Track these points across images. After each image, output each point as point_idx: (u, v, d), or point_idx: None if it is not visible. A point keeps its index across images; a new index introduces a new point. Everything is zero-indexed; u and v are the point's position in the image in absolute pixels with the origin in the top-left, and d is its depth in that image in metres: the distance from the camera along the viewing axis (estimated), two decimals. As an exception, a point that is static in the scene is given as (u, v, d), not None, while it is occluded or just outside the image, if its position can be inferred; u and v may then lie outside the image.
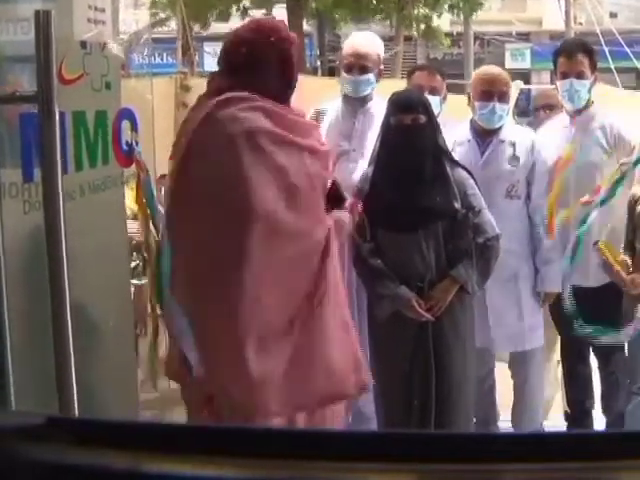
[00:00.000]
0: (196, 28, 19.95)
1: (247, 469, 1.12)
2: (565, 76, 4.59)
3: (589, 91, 4.62)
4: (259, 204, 3.32)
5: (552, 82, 4.83)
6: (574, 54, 4.61)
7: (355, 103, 4.60)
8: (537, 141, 4.72)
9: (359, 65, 4.51)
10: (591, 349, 4.72)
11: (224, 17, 20.08)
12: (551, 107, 5.54)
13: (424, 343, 4.02)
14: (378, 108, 4.47)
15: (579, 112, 4.64)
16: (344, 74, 4.55)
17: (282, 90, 3.51)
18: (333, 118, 4.58)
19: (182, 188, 3.43)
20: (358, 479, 1.14)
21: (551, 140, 4.68)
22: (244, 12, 19.09)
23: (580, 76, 4.57)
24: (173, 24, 20.52)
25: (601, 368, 4.73)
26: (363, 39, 4.72)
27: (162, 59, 25.13)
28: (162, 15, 20.70)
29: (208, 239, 3.41)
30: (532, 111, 5.95)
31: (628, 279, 4.14)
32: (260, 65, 3.46)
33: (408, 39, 22.86)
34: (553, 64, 4.76)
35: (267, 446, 1.16)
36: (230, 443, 1.15)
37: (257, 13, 19.05)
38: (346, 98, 4.62)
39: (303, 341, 3.41)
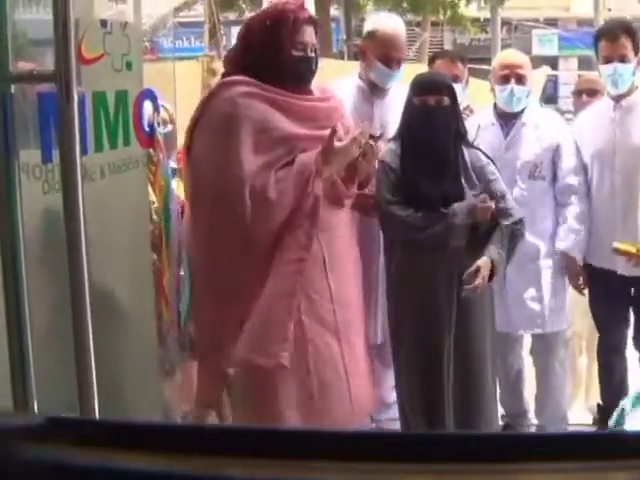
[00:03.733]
0: (231, 16, 19.93)
1: (249, 469, 1.10)
2: (608, 60, 4.52)
3: (633, 74, 4.53)
4: (251, 186, 3.42)
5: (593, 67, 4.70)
6: (617, 37, 4.52)
7: (377, 91, 4.54)
8: (561, 122, 4.77)
9: (398, 59, 4.44)
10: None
11: (257, 3, 20.00)
12: (594, 92, 5.50)
13: (449, 323, 4.01)
14: (396, 94, 4.43)
15: (623, 96, 4.56)
16: (380, 65, 4.46)
17: (278, 70, 3.61)
18: (350, 102, 4.47)
19: (186, 166, 3.64)
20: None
21: (594, 124, 4.62)
22: (276, -3, 19.01)
23: (623, 59, 4.50)
24: (201, 8, 20.50)
25: None
26: (400, 27, 4.63)
27: (190, 43, 25.20)
28: (189, -1, 20.65)
29: (209, 223, 3.50)
30: (574, 94, 5.88)
31: None
32: (252, 46, 3.63)
33: (435, 24, 22.78)
34: (594, 47, 4.68)
35: (277, 446, 1.13)
36: (231, 443, 1.14)
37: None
38: (370, 84, 4.54)
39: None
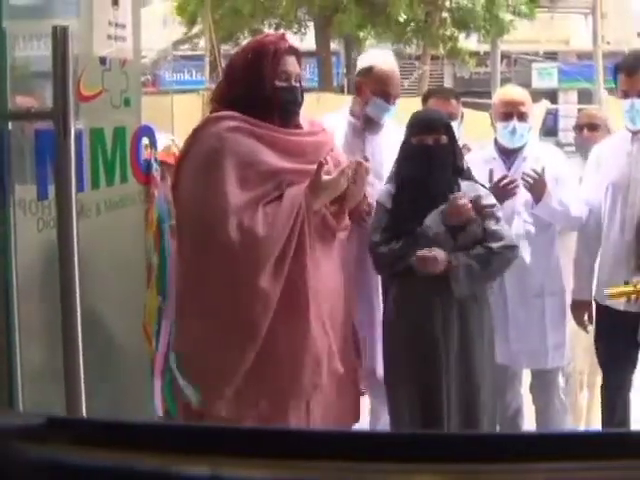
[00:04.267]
0: (227, 47, 20.08)
1: (250, 469, 1.11)
2: (626, 95, 4.46)
3: None
4: (238, 222, 3.42)
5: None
6: (635, 71, 4.45)
7: (371, 126, 4.56)
8: (561, 155, 4.77)
9: (395, 95, 4.47)
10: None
11: (255, 36, 20.17)
12: (595, 126, 5.51)
13: (447, 354, 4.00)
14: (388, 131, 4.50)
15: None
16: (378, 100, 4.48)
17: (264, 102, 3.62)
18: (340, 137, 4.49)
19: (175, 201, 3.62)
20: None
21: (610, 157, 4.60)
22: (275, 30, 19.13)
23: None
24: (202, 42, 20.65)
25: None
26: (393, 63, 4.68)
27: (191, 76, 25.40)
28: (190, 32, 20.82)
29: (192, 256, 3.51)
30: (575, 129, 5.89)
31: None
32: (236, 81, 3.67)
33: (435, 58, 22.87)
34: (613, 80, 4.65)
35: (273, 446, 1.14)
36: (231, 443, 1.14)
37: (288, 32, 19.13)
38: (366, 119, 4.56)
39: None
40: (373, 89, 4.48)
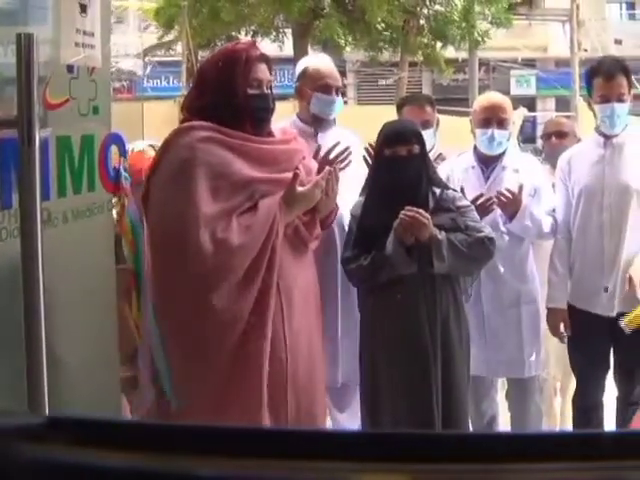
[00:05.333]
0: (204, 53, 20.03)
1: (253, 468, 1.10)
2: (606, 100, 4.44)
3: (628, 113, 4.49)
4: (211, 232, 3.40)
5: (589, 105, 4.67)
6: (613, 75, 4.44)
7: (320, 125, 4.56)
8: (539, 166, 4.80)
9: (336, 86, 4.49)
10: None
11: (232, 42, 20.11)
12: (563, 134, 5.52)
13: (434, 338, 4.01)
14: (338, 129, 4.56)
15: (613, 134, 4.53)
16: (320, 94, 4.48)
17: (236, 110, 3.60)
18: None
19: (145, 212, 3.58)
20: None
21: (583, 161, 4.60)
22: (253, 36, 19.10)
23: (621, 99, 4.43)
24: (179, 47, 20.61)
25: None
26: (329, 61, 4.74)
27: (168, 82, 25.31)
28: (167, 39, 20.76)
29: (165, 269, 3.48)
30: (542, 138, 5.91)
31: None
32: (207, 89, 3.65)
33: (413, 65, 22.89)
34: (587, 85, 4.63)
35: (263, 446, 1.14)
36: (229, 443, 1.14)
37: (266, 39, 19.12)
38: (314, 119, 4.56)
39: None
40: (311, 87, 4.51)
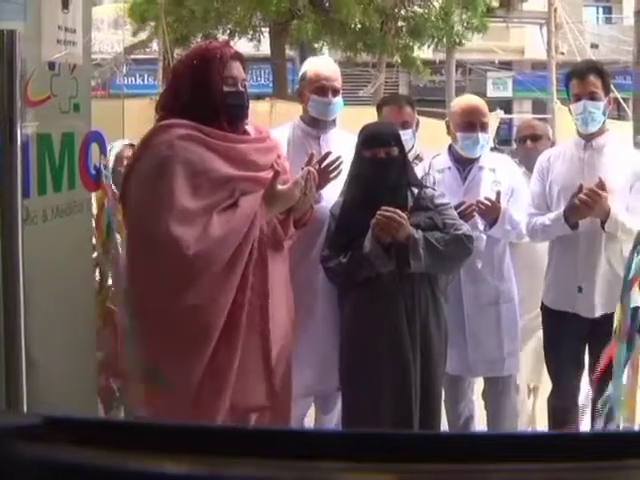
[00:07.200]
0: (180, 51, 19.94)
1: (237, 467, 1.11)
2: (578, 98, 4.51)
3: (604, 113, 4.53)
4: (189, 230, 3.40)
5: (568, 107, 4.74)
6: (586, 76, 4.52)
7: (320, 127, 4.55)
8: (514, 166, 4.84)
9: (333, 88, 4.48)
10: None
11: (206, 41, 20.01)
12: (538, 137, 5.53)
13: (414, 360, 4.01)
14: (339, 133, 4.55)
15: (593, 136, 4.56)
16: (316, 96, 4.49)
17: (211, 108, 3.61)
18: (296, 144, 4.53)
19: (123, 211, 3.60)
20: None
21: (562, 162, 4.63)
22: (230, 35, 19.04)
23: (593, 97, 4.48)
24: (155, 45, 20.50)
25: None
26: (329, 63, 4.74)
27: (143, 80, 25.18)
28: (143, 37, 20.64)
29: (144, 265, 3.46)
30: (517, 141, 5.92)
31: None
32: (183, 88, 3.65)
33: (390, 66, 22.91)
34: (566, 88, 4.69)
35: (248, 445, 1.15)
36: (228, 443, 1.14)
37: (243, 38, 19.06)
38: (314, 121, 4.56)
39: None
40: (310, 89, 4.53)
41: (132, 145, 4.30)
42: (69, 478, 1.12)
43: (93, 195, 3.54)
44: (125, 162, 4.20)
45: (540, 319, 4.80)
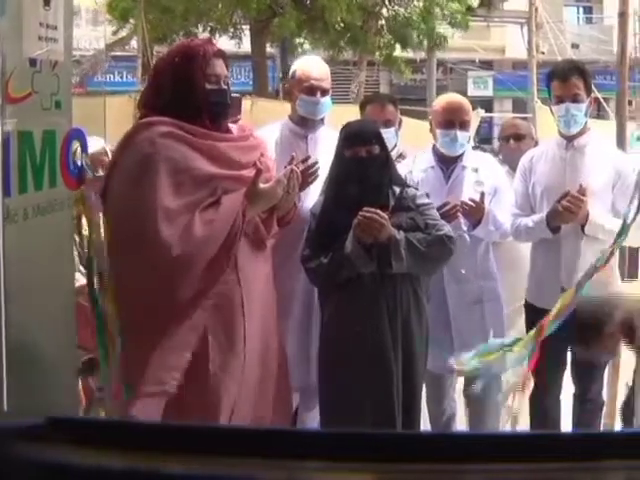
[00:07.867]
0: (160, 48, 19.86)
1: (220, 466, 1.11)
2: (560, 100, 4.50)
3: (586, 114, 4.54)
4: (173, 228, 3.39)
5: (549, 107, 4.74)
6: (568, 77, 4.51)
7: (308, 126, 4.55)
8: (497, 165, 4.84)
9: (321, 88, 4.48)
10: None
11: (188, 38, 19.94)
12: (521, 136, 5.53)
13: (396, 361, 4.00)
14: (327, 132, 4.55)
15: (575, 136, 4.57)
16: (305, 96, 4.48)
17: (194, 106, 3.60)
18: (284, 142, 4.53)
19: (104, 210, 3.56)
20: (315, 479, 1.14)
21: (545, 162, 4.64)
22: (211, 33, 19.00)
23: (576, 100, 4.48)
24: (134, 42, 20.41)
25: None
26: (319, 63, 4.74)
27: (122, 77, 25.08)
28: (123, 33, 20.55)
29: (126, 263, 3.45)
30: (500, 140, 5.91)
31: None
32: (165, 86, 3.64)
33: (371, 64, 22.93)
34: (547, 88, 4.68)
35: (229, 444, 1.15)
36: (227, 443, 1.15)
37: (224, 35, 19.01)
38: (302, 120, 4.55)
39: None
40: (299, 89, 4.55)
41: (106, 153, 4.29)
42: (71, 478, 1.12)
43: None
44: (100, 166, 4.16)
45: (523, 316, 4.80)
